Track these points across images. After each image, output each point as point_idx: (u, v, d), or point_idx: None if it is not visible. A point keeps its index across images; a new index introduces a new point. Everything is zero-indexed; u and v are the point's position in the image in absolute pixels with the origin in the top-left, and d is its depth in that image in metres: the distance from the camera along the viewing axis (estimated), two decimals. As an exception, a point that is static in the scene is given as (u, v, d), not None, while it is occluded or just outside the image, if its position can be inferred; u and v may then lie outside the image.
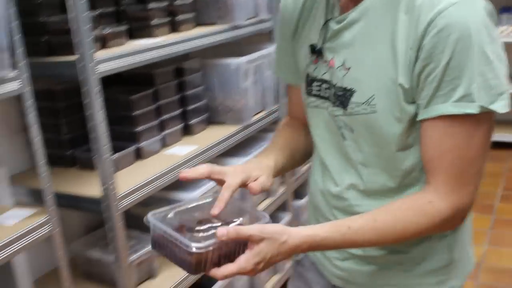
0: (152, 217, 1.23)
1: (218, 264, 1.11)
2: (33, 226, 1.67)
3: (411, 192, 1.27)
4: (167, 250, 1.17)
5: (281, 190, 3.01)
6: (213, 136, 2.45)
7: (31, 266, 2.14)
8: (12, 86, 1.55)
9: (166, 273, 2.26)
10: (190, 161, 2.22)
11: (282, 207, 3.07)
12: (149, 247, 2.16)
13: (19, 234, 1.63)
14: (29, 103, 1.60)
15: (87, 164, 2.12)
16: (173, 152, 2.28)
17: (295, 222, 3.17)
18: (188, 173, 1.25)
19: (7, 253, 1.59)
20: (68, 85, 2.10)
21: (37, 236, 1.69)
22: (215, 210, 1.20)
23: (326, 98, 1.32)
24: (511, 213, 4.03)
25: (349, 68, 1.24)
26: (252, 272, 1.11)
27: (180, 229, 1.17)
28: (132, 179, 2.01)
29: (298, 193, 3.26)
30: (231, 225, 1.18)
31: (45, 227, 1.71)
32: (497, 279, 3.25)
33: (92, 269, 2.21)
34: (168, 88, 2.33)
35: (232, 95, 2.54)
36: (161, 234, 1.18)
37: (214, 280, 2.43)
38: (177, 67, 2.40)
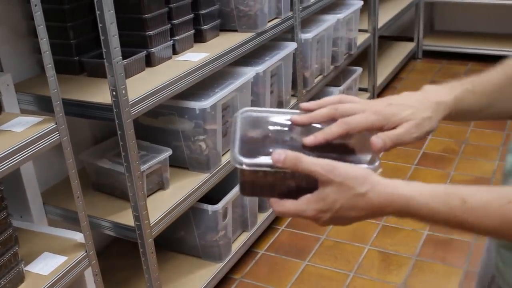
0: (241, 114, 0.96)
1: (284, 195, 0.87)
2: (40, 134, 1.58)
3: None
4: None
5: (292, 102, 2.92)
6: (225, 43, 2.33)
7: (40, 177, 2.09)
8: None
9: (178, 184, 2.20)
10: (202, 68, 2.12)
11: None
12: (160, 157, 2.10)
13: (27, 141, 1.54)
14: (36, 1, 1.48)
15: (95, 71, 2.02)
16: (185, 58, 2.18)
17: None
18: (310, 104, 0.97)
19: (15, 160, 1.51)
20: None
21: (45, 144, 1.61)
22: (308, 140, 0.89)
23: None
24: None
25: None
26: (315, 220, 0.86)
27: (264, 138, 0.93)
28: (142, 86, 1.91)
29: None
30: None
31: (53, 134, 1.62)
32: None
33: (102, 180, 2.15)
34: (179, -10, 2.19)
35: None
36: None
37: (224, 193, 2.39)
38: (189, -31, 2.26)
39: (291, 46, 2.76)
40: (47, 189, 2.21)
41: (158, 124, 2.26)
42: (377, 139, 0.89)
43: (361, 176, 0.83)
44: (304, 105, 0.97)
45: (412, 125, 0.92)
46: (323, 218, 0.85)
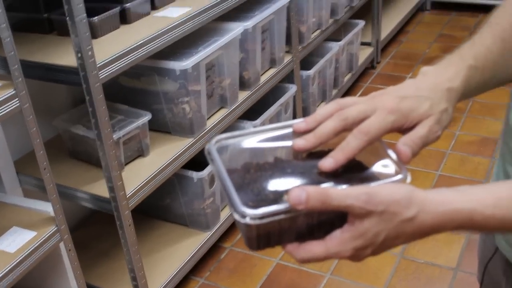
0: (214, 146, 0.76)
1: (302, 234, 0.70)
2: (-2, 101, 1.45)
3: None
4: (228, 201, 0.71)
5: (287, 59, 2.74)
6: (210, -4, 2.16)
7: (14, 144, 1.96)
8: None
9: (160, 150, 2.06)
10: (182, 24, 1.94)
11: (288, 78, 2.81)
12: (138, 122, 1.95)
13: (-17, 109, 1.41)
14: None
15: (65, 30, 1.85)
16: (164, 14, 2.00)
17: (301, 94, 2.93)
18: (306, 123, 0.77)
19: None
20: None
21: (4, 112, 1.46)
22: (327, 164, 0.71)
23: None
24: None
25: None
26: (353, 258, 0.71)
27: (255, 170, 0.73)
28: (115, 46, 1.75)
29: (306, 62, 3.00)
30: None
31: (12, 102, 1.48)
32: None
33: (78, 147, 2.01)
34: None
35: None
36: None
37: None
38: None
39: (284, -1, 2.57)
40: (21, 157, 2.07)
41: (139, 85, 2.10)
42: (405, 148, 0.74)
43: (404, 197, 0.68)
44: (298, 126, 0.77)
45: (433, 122, 0.77)
46: (362, 255, 0.70)
